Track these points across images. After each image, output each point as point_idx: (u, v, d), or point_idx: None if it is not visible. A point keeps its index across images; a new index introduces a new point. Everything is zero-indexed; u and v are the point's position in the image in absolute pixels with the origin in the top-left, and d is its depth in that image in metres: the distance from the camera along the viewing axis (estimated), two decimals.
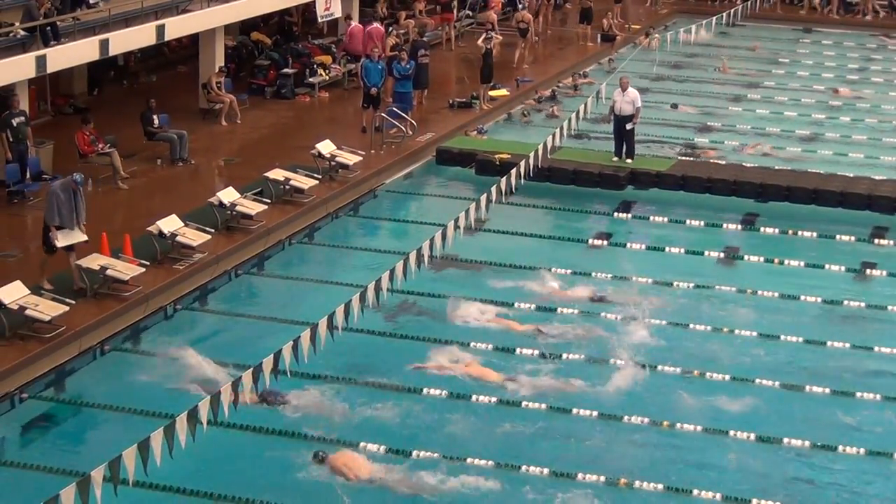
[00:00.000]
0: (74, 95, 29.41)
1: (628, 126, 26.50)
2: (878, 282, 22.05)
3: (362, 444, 15.88)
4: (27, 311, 17.85)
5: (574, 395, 17.51)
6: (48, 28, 23.91)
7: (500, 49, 33.56)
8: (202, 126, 28.25)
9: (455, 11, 38.56)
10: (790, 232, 24.04)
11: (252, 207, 22.62)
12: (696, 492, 15.27)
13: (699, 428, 16.69)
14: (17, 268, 19.77)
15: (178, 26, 27.33)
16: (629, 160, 26.53)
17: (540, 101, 32.63)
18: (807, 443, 16.47)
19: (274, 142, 27.78)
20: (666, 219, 24.69)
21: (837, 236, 23.80)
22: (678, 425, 16.72)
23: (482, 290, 20.68)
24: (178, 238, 20.88)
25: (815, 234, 23.88)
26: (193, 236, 21.06)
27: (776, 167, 27.34)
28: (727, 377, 18.19)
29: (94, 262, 19.39)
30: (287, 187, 23.92)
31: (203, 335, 19.17)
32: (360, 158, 25.76)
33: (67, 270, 19.25)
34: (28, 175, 23.24)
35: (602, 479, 15.45)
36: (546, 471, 15.61)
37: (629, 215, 24.98)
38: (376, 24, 32.87)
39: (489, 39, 31.57)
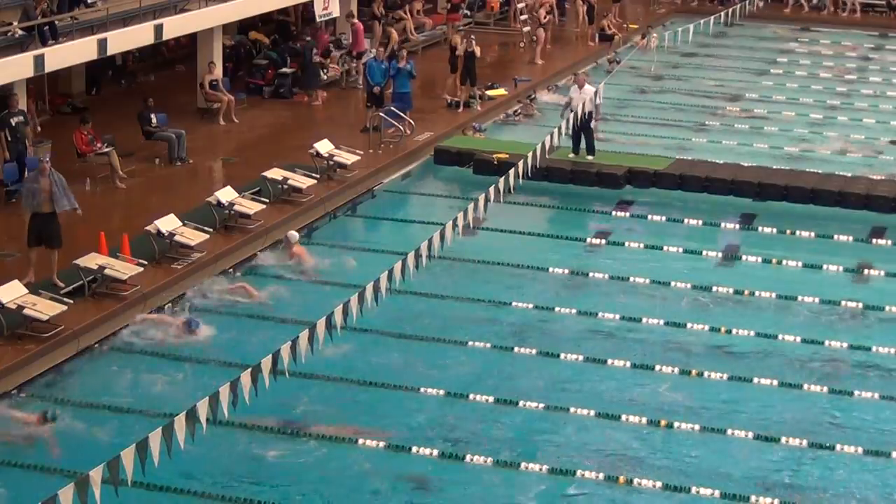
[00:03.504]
0: (73, 95, 29.40)
1: (591, 123, 26.63)
2: (876, 281, 22.07)
3: None
4: (25, 311, 17.86)
5: None
6: (46, 27, 23.91)
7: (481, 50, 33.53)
8: (200, 125, 28.25)
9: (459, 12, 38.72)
10: (788, 231, 24.05)
11: (250, 207, 22.63)
12: (694, 490, 15.31)
13: (697, 427, 16.72)
14: (16, 267, 19.77)
15: (176, 26, 27.31)
16: (590, 157, 26.63)
17: (532, 100, 32.57)
18: (804, 442, 16.49)
19: (272, 141, 27.78)
20: (664, 218, 24.70)
21: (835, 236, 23.81)
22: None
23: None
24: (177, 237, 20.89)
25: (813, 234, 23.90)
26: (192, 236, 21.07)
27: (774, 167, 27.36)
28: (724, 376, 18.23)
29: (92, 261, 19.40)
30: (285, 187, 23.93)
31: (200, 335, 19.16)
32: (359, 158, 25.78)
33: (70, 269, 19.27)
34: (26, 174, 23.21)
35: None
36: None
37: (627, 214, 24.99)
38: (354, 20, 33.10)
39: (470, 42, 31.37)
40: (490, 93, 32.03)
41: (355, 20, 33.35)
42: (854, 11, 44.82)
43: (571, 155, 26.73)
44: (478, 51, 31.23)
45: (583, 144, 26.77)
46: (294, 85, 31.42)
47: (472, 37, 32.08)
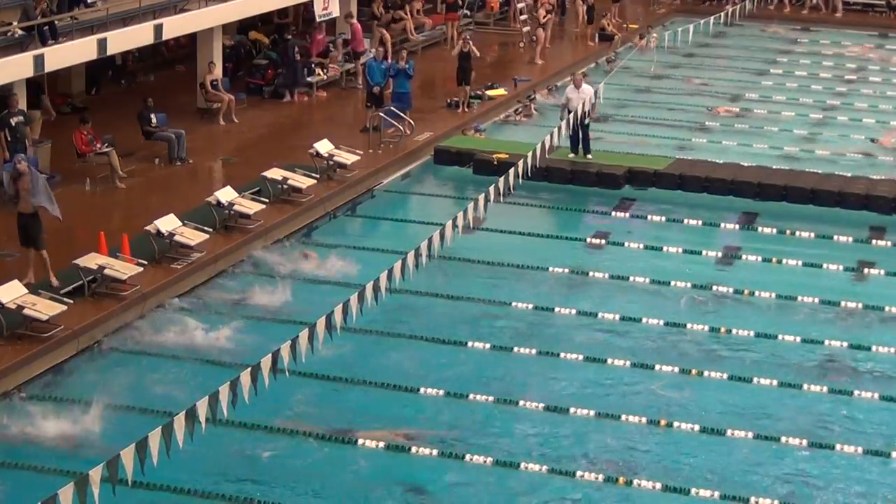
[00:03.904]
0: (72, 95, 29.40)
1: (586, 121, 26.65)
2: (876, 281, 22.06)
3: None
4: (25, 311, 17.86)
5: None
6: (46, 27, 23.90)
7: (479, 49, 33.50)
8: (200, 125, 28.25)
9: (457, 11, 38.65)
10: (788, 231, 24.04)
11: (250, 207, 22.63)
12: (694, 490, 15.31)
13: (697, 427, 16.71)
14: (16, 267, 19.77)
15: (175, 25, 27.30)
16: (589, 156, 26.64)
17: (532, 100, 32.53)
18: (804, 441, 16.49)
19: (272, 141, 27.78)
20: (664, 218, 24.70)
21: (835, 236, 23.80)
22: (676, 424, 16.77)
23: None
24: (176, 237, 20.89)
25: (812, 234, 23.89)
26: (191, 236, 21.08)
27: (774, 167, 27.33)
28: (724, 375, 18.23)
29: (91, 261, 19.40)
30: (285, 186, 23.93)
31: (200, 334, 19.18)
32: (359, 158, 25.78)
33: (70, 269, 19.27)
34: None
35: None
36: None
37: (627, 214, 24.99)
38: (353, 20, 33.10)
39: (467, 42, 31.29)
40: (490, 93, 32.01)
41: (354, 20, 33.34)
42: (839, 11, 44.80)
43: (571, 155, 26.74)
44: (475, 51, 31.22)
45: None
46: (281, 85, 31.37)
47: (467, 36, 32.07)
